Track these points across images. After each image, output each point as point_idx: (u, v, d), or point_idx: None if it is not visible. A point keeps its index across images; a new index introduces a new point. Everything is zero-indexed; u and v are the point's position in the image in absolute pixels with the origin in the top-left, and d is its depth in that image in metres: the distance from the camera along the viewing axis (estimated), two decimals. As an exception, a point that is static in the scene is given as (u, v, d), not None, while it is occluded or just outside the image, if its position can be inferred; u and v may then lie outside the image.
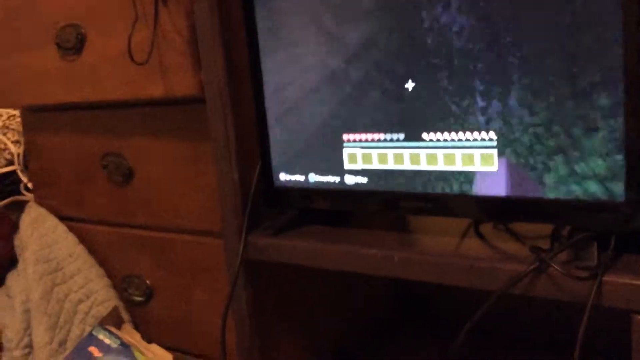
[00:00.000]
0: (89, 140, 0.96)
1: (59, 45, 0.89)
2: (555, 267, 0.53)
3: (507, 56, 0.56)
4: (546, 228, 0.62)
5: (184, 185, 0.88)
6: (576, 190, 0.55)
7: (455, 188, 0.62)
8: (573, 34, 0.53)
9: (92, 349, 0.88)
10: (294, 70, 0.70)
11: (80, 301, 0.97)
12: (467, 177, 0.62)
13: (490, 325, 0.88)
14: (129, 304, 0.99)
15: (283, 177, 0.74)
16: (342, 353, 0.92)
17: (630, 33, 0.50)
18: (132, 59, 0.75)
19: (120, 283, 0.99)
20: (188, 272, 0.91)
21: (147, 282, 0.96)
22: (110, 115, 0.92)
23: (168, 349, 0.93)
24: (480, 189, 0.61)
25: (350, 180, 0.70)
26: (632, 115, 0.51)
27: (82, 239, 1.01)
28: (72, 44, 0.87)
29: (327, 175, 0.71)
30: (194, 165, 0.85)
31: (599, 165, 0.54)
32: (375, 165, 0.67)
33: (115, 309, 0.94)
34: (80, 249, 1.00)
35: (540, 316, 0.90)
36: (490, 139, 0.59)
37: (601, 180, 0.54)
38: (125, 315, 0.97)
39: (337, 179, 0.71)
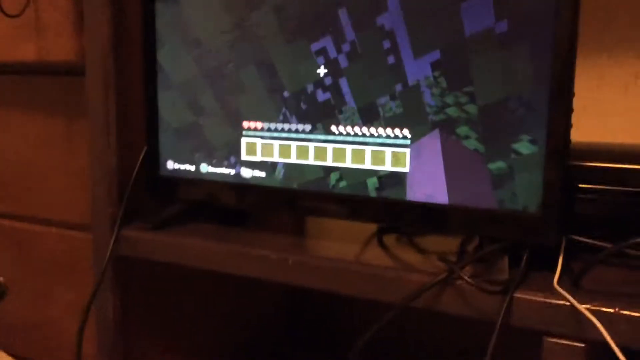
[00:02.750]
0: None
1: None
2: (466, 278, 0.48)
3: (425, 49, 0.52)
4: (452, 244, 0.58)
5: (52, 169, 0.76)
6: (490, 200, 0.51)
7: (362, 189, 0.56)
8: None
9: None
10: (192, 42, 0.62)
11: None
12: (377, 176, 0.56)
13: (392, 344, 0.84)
14: (-25, 304, 0.85)
15: (171, 165, 0.66)
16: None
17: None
18: (1, 9, 0.63)
19: (-34, 279, 0.85)
20: (50, 270, 0.80)
21: (0, 279, 0.83)
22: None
23: (17, 358, 0.80)
24: (390, 192, 0.55)
25: (247, 173, 0.62)
26: (552, 126, 0.48)
27: None
28: None
29: (222, 166, 0.63)
30: (67, 147, 0.74)
31: (515, 176, 0.50)
32: (276, 157, 0.60)
33: (-45, 309, 0.80)
34: None
35: (446, 335, 0.86)
36: (404, 137, 0.54)
37: (517, 192, 0.50)
38: (-33, 317, 0.83)
39: (232, 171, 0.63)
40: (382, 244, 0.61)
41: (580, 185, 0.58)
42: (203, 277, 0.78)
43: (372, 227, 0.65)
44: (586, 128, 0.68)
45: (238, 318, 0.87)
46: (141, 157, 0.66)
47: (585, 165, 0.57)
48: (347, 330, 0.91)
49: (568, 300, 0.45)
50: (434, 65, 0.51)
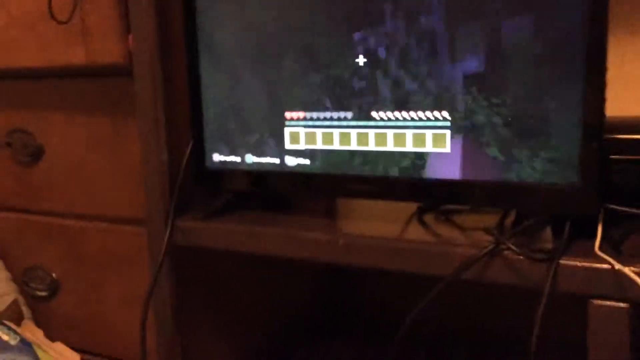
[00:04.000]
0: (-9, 115, 0.86)
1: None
2: (513, 248, 0.51)
3: (465, 38, 0.54)
4: (489, 220, 0.61)
5: (101, 168, 0.80)
6: (531, 174, 0.54)
7: (406, 170, 0.59)
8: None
9: (-14, 348, 0.77)
10: (233, 41, 0.65)
11: (-27, 296, 0.86)
12: (418, 158, 0.59)
13: (439, 318, 0.87)
14: (31, 299, 0.89)
15: (217, 157, 0.69)
16: (275, 354, 0.87)
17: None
18: (52, 16, 0.67)
19: (22, 276, 0.88)
20: (101, 265, 0.83)
21: (53, 275, 0.87)
22: (19, 86, 0.83)
23: (74, 350, 0.83)
24: (432, 171, 0.58)
25: (291, 161, 0.65)
26: (588, 101, 0.50)
27: (-22, 226, 0.90)
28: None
29: (266, 156, 0.66)
30: (114, 146, 0.78)
31: (554, 149, 0.52)
32: (320, 145, 0.63)
33: (14, 303, 0.84)
34: (-26, 238, 0.89)
35: (493, 310, 0.89)
36: (444, 119, 0.57)
37: (557, 164, 0.52)
38: (25, 311, 0.87)
39: (276, 160, 0.66)
40: (423, 223, 0.64)
41: (613, 157, 0.60)
42: (251, 265, 0.82)
43: (401, 205, 0.68)
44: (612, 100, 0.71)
45: (283, 302, 0.91)
46: (188, 151, 0.69)
47: (617, 137, 0.60)
48: (391, 310, 0.94)
49: (611, 264, 0.48)
50: (469, 74, 0.54)
